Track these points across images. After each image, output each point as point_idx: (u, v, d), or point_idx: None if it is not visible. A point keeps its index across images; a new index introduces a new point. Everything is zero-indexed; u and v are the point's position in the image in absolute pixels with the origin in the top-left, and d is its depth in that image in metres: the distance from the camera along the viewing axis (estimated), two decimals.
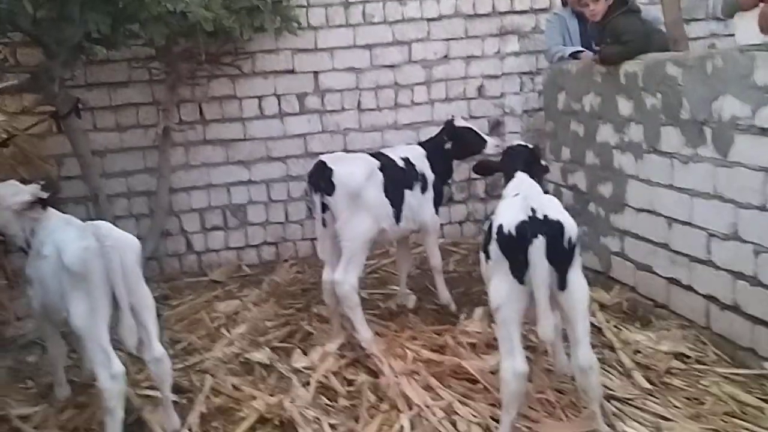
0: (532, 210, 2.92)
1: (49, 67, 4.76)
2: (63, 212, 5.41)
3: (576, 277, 2.99)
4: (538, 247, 2.83)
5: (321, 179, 4.28)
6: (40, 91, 5.06)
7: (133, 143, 6.03)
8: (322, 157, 4.41)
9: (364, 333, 4.29)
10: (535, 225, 2.88)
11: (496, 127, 6.57)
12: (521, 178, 3.61)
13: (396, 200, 4.49)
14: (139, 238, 5.80)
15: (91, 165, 5.42)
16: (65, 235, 3.44)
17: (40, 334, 4.30)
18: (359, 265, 4.32)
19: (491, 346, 4.15)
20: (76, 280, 3.23)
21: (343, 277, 4.24)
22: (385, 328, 4.58)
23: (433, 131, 6.38)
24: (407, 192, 4.57)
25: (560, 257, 2.91)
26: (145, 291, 3.47)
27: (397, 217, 4.52)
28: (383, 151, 4.83)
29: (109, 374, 3.19)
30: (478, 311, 4.67)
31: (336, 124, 6.35)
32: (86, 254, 3.24)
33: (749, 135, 3.58)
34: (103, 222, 3.58)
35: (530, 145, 3.93)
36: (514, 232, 2.92)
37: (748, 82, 3.52)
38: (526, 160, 3.77)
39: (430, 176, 4.75)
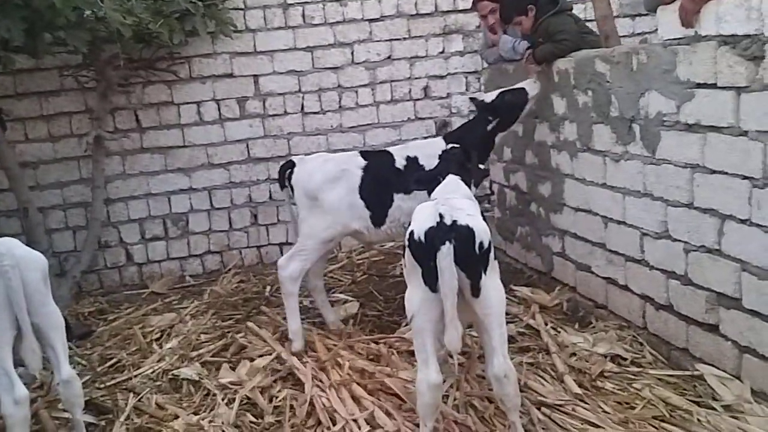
0: (440, 215, 2.81)
1: None
2: None
3: (491, 283, 2.89)
4: (445, 254, 2.72)
5: (285, 179, 4.42)
6: None
7: (67, 153, 5.84)
8: (294, 157, 4.54)
9: (293, 324, 4.31)
10: (442, 231, 2.77)
11: (443, 127, 6.47)
12: (447, 182, 3.51)
13: (377, 203, 4.33)
14: (75, 250, 5.82)
15: (19, 177, 5.23)
16: None
17: None
18: (305, 260, 4.32)
19: None
20: None
21: (286, 264, 4.30)
22: (324, 337, 4.45)
23: (379, 133, 6.41)
24: (398, 196, 4.33)
25: (471, 263, 2.80)
26: (52, 310, 3.30)
27: (378, 221, 4.36)
28: (393, 148, 4.64)
29: (13, 399, 3.03)
30: None
31: (279, 128, 6.22)
32: None
33: (675, 131, 3.51)
34: (6, 239, 3.38)
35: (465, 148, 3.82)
36: (423, 239, 2.82)
37: (672, 77, 3.45)
38: (460, 162, 3.67)
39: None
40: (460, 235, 2.80)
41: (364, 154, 4.52)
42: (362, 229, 4.38)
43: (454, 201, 3.08)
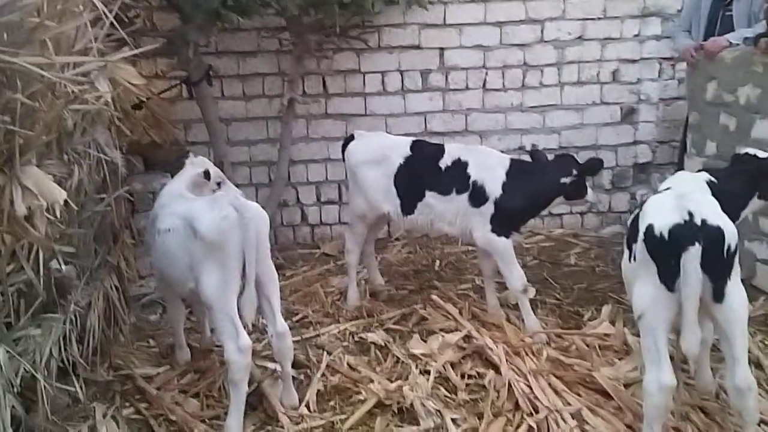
0: (690, 213, 2.64)
1: (185, 32, 4.80)
2: None
3: (734, 288, 2.71)
4: (693, 256, 2.56)
5: (342, 152, 4.75)
6: (174, 56, 5.16)
7: (257, 113, 6.06)
8: (356, 131, 4.84)
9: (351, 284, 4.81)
10: (691, 231, 2.61)
11: (629, 114, 6.18)
12: (684, 174, 3.34)
13: (407, 192, 4.41)
14: None
15: (218, 132, 5.48)
16: (196, 205, 3.43)
17: (161, 295, 4.41)
18: (353, 233, 4.74)
19: (622, 350, 3.91)
20: (210, 250, 3.21)
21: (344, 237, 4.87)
22: (506, 321, 4.35)
23: (560, 115, 6.19)
24: (430, 193, 4.35)
25: (717, 267, 2.63)
26: (271, 264, 3.46)
27: (407, 209, 4.43)
28: (451, 145, 4.59)
29: (237, 347, 3.17)
30: (605, 310, 4.41)
31: (458, 103, 6.15)
32: (225, 224, 3.22)
33: None
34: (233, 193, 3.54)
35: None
36: (666, 236, 2.66)
37: None
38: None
39: (494, 191, 4.21)
40: (710, 236, 2.64)
41: (414, 144, 4.53)
42: (391, 213, 4.52)
43: (700, 197, 2.89)
